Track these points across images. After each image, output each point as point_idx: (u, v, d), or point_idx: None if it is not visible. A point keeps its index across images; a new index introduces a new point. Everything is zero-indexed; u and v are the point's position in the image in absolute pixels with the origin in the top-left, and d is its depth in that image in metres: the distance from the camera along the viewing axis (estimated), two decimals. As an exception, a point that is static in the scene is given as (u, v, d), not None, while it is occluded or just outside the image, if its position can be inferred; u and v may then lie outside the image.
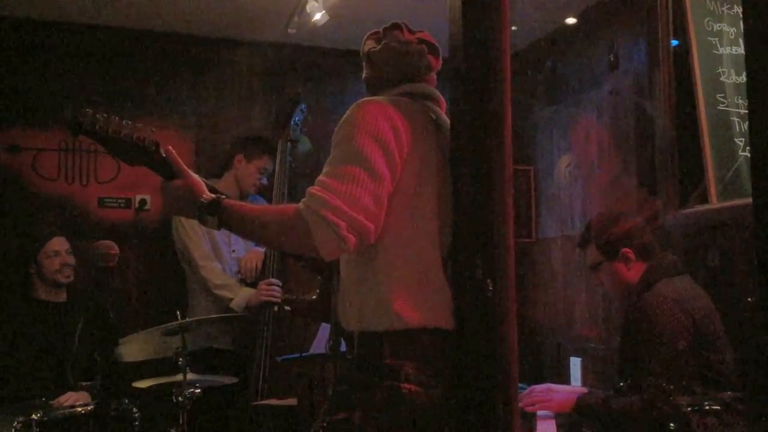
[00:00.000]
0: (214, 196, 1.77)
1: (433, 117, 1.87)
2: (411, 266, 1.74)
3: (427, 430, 1.73)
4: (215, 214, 1.74)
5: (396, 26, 1.95)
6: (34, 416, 2.61)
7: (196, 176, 1.83)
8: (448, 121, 1.90)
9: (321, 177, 1.70)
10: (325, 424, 1.73)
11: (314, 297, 1.89)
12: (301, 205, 1.67)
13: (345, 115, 1.77)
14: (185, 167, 1.83)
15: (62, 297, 3.36)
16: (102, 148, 1.83)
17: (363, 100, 1.79)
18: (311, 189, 1.68)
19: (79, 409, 2.75)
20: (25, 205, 3.77)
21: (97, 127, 1.78)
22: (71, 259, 3.32)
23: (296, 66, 4.20)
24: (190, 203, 1.78)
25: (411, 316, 1.72)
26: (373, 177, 1.67)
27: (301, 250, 1.74)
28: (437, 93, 1.95)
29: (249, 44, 4.10)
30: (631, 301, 2.55)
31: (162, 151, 1.83)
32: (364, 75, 2.01)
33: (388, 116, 1.73)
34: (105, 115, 1.79)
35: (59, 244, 3.31)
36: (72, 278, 3.32)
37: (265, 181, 3.72)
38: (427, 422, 1.72)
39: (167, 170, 1.84)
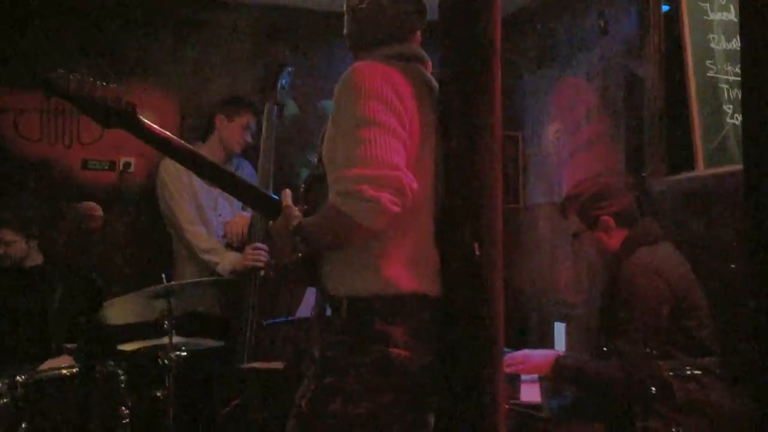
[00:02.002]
0: (296, 223, 1.77)
1: (425, 79, 1.85)
2: (404, 232, 1.73)
3: (416, 395, 1.75)
4: (297, 236, 1.76)
5: None
6: (18, 378, 2.61)
7: (292, 208, 1.83)
8: (436, 83, 1.88)
9: (336, 155, 1.68)
10: (313, 388, 1.74)
11: (295, 260, 1.88)
12: (331, 195, 1.66)
13: (340, 83, 1.73)
14: (289, 201, 1.83)
15: (37, 260, 3.33)
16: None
17: (357, 64, 1.75)
18: (330, 176, 1.67)
19: (65, 371, 2.75)
20: (7, 167, 3.72)
21: (69, 87, 1.75)
22: (11, 250, 3.23)
23: (283, 28, 4.14)
24: (286, 237, 1.80)
25: (402, 282, 1.72)
26: (385, 131, 1.64)
27: (356, 235, 1.68)
28: (424, 54, 1.92)
29: (235, 6, 4.03)
30: (611, 269, 2.57)
31: (138, 113, 1.82)
32: (345, 31, 1.96)
33: (387, 77, 1.71)
34: (78, 76, 1.77)
35: None
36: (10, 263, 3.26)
37: (249, 138, 3.68)
38: (416, 387, 1.73)
39: (145, 133, 1.82)
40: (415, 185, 1.66)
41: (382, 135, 1.63)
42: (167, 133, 1.88)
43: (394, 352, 1.69)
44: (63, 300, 3.23)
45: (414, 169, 1.70)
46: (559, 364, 2.50)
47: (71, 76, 1.75)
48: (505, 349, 2.32)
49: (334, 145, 1.71)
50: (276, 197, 1.92)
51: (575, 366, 2.48)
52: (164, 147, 1.89)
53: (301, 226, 1.76)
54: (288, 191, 1.87)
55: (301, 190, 1.93)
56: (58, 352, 3.06)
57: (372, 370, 1.69)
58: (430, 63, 1.93)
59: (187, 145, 1.94)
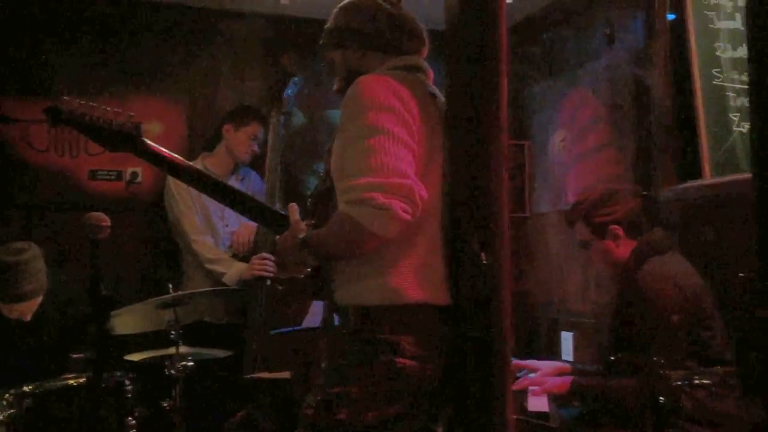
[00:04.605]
0: (303, 235, 1.77)
1: (429, 89, 1.86)
2: (412, 241, 1.73)
3: (424, 405, 1.74)
4: (305, 248, 1.76)
5: None
6: (26, 388, 2.61)
7: (299, 222, 1.83)
8: (440, 93, 1.89)
9: (344, 166, 1.68)
10: (320, 398, 1.73)
11: (304, 276, 1.89)
12: (340, 205, 1.66)
13: (346, 96, 1.74)
14: (296, 216, 1.83)
15: (29, 313, 3.13)
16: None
17: (362, 77, 1.76)
18: (339, 186, 1.68)
19: (72, 381, 2.74)
20: (15, 177, 3.74)
21: (76, 115, 1.77)
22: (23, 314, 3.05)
23: (291, 38, 4.15)
24: (294, 251, 1.79)
25: (410, 292, 1.71)
26: (394, 140, 1.64)
27: (366, 244, 1.66)
28: (426, 64, 1.93)
29: (243, 16, 4.04)
30: (622, 279, 2.56)
31: (143, 132, 1.83)
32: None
33: (392, 88, 1.71)
34: (83, 102, 1.78)
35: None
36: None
37: (257, 148, 3.69)
38: (424, 396, 1.73)
39: (149, 155, 1.84)
40: (424, 194, 1.66)
41: (390, 144, 1.63)
42: (172, 153, 1.90)
43: (402, 362, 1.69)
44: (63, 313, 3.18)
45: (422, 178, 1.70)
46: (576, 385, 2.49)
47: (76, 103, 1.77)
48: (512, 359, 2.31)
49: (342, 156, 1.71)
50: (282, 212, 1.92)
51: (592, 386, 2.47)
52: (169, 167, 1.90)
53: (309, 239, 1.75)
54: (295, 206, 1.87)
55: (308, 204, 1.93)
56: (58, 370, 3.02)
57: (380, 380, 1.69)
58: (432, 73, 1.93)
59: (191, 164, 1.96)
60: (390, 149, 1.63)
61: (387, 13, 1.90)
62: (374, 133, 1.64)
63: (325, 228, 1.74)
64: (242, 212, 2.05)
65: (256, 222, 2.11)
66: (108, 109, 1.81)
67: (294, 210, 1.85)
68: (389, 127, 1.65)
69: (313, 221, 1.85)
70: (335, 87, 1.99)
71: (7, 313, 3.08)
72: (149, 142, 1.86)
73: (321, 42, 2.01)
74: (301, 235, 1.77)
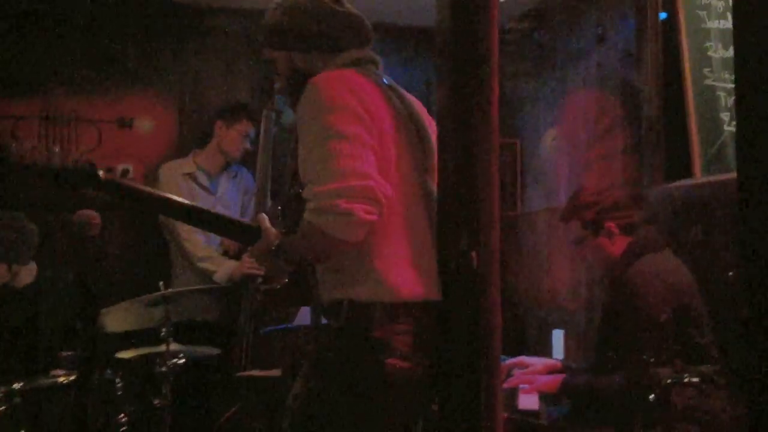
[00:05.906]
0: (277, 241, 1.75)
1: (385, 81, 1.85)
2: (404, 237, 1.73)
3: (409, 404, 1.74)
4: (280, 255, 1.75)
5: None
6: (16, 386, 2.60)
7: (270, 230, 1.79)
8: (398, 86, 1.88)
9: (306, 173, 1.68)
10: (306, 390, 1.73)
11: (284, 282, 1.88)
12: (305, 213, 1.66)
13: (302, 99, 1.73)
14: (266, 224, 1.79)
15: (28, 278, 3.16)
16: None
17: (315, 78, 1.74)
18: (304, 192, 1.67)
19: (62, 379, 2.74)
20: (4, 174, 3.72)
21: (24, 161, 1.76)
22: None
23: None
24: (269, 259, 1.78)
25: (403, 289, 1.71)
26: (352, 142, 1.64)
27: (335, 249, 1.67)
28: (376, 55, 1.91)
29: (234, 11, 4.04)
30: (614, 275, 2.57)
31: (101, 170, 1.79)
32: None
33: (347, 85, 1.71)
34: (35, 145, 1.76)
35: None
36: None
37: (248, 145, 3.69)
38: (410, 396, 1.72)
39: (112, 190, 1.81)
40: (388, 191, 1.66)
41: (349, 146, 1.63)
42: (136, 184, 1.86)
43: (389, 363, 1.68)
44: (54, 311, 3.18)
45: (391, 171, 1.70)
46: (567, 384, 2.50)
47: (27, 146, 1.75)
48: (502, 356, 2.32)
49: (304, 162, 1.70)
50: (252, 224, 1.88)
51: (582, 385, 2.48)
52: (133, 199, 1.84)
53: (282, 246, 1.75)
54: (263, 215, 1.84)
55: (278, 211, 1.92)
56: (48, 368, 3.01)
57: (366, 378, 1.68)
58: (381, 63, 1.92)
59: (155, 191, 1.88)
60: (349, 151, 1.62)
61: (331, 12, 1.87)
62: (332, 136, 1.64)
63: (295, 236, 1.74)
64: (214, 232, 2.02)
65: (230, 239, 2.05)
66: (57, 150, 1.78)
67: (263, 219, 1.82)
68: (347, 129, 1.64)
69: (283, 230, 1.83)
70: (278, 87, 1.97)
71: None
72: (109, 175, 1.82)
73: (261, 40, 1.96)
74: (276, 242, 1.76)
